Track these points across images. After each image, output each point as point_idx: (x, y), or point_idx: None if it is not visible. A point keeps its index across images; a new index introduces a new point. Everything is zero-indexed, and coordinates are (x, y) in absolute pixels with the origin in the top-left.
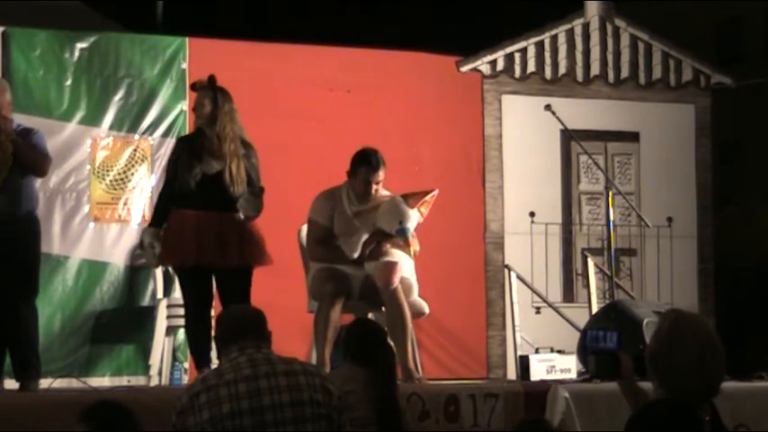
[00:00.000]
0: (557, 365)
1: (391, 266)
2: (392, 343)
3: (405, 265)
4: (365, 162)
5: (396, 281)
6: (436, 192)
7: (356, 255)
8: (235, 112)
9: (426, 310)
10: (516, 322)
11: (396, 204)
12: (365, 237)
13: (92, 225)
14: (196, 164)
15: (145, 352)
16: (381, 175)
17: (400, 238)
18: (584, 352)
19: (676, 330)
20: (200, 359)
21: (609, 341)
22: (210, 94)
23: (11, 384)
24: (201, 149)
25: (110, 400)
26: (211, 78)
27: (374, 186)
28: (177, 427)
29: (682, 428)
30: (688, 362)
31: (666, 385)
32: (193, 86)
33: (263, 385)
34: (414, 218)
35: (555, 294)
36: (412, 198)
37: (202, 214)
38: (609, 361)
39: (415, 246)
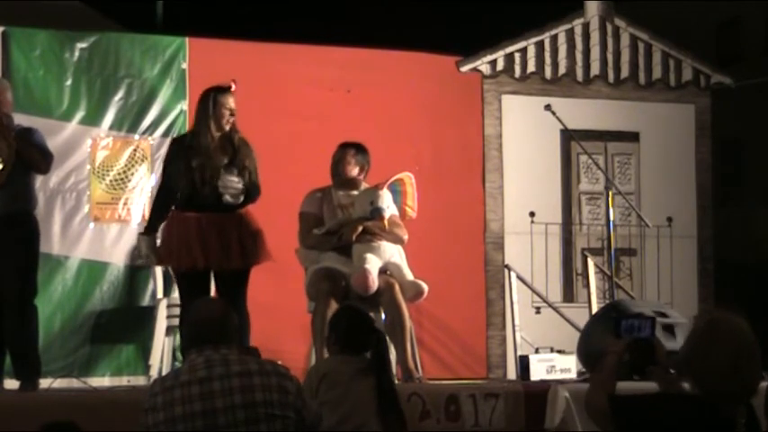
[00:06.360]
0: (557, 365)
1: (362, 274)
2: (391, 343)
3: (390, 249)
4: (339, 147)
5: (371, 287)
6: (404, 175)
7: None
8: None
9: (425, 287)
10: (516, 322)
11: (366, 190)
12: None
13: (92, 225)
14: (196, 167)
15: (145, 352)
16: (358, 156)
17: (375, 217)
18: (617, 336)
19: (710, 332)
20: None
21: (643, 330)
22: (233, 98)
23: (11, 384)
24: (201, 151)
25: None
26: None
27: (349, 167)
28: (143, 426)
29: (708, 428)
30: (722, 364)
31: (700, 387)
32: (228, 89)
33: (216, 387)
34: (384, 197)
35: (555, 294)
36: (380, 183)
37: (204, 216)
38: (645, 348)
39: (387, 221)
